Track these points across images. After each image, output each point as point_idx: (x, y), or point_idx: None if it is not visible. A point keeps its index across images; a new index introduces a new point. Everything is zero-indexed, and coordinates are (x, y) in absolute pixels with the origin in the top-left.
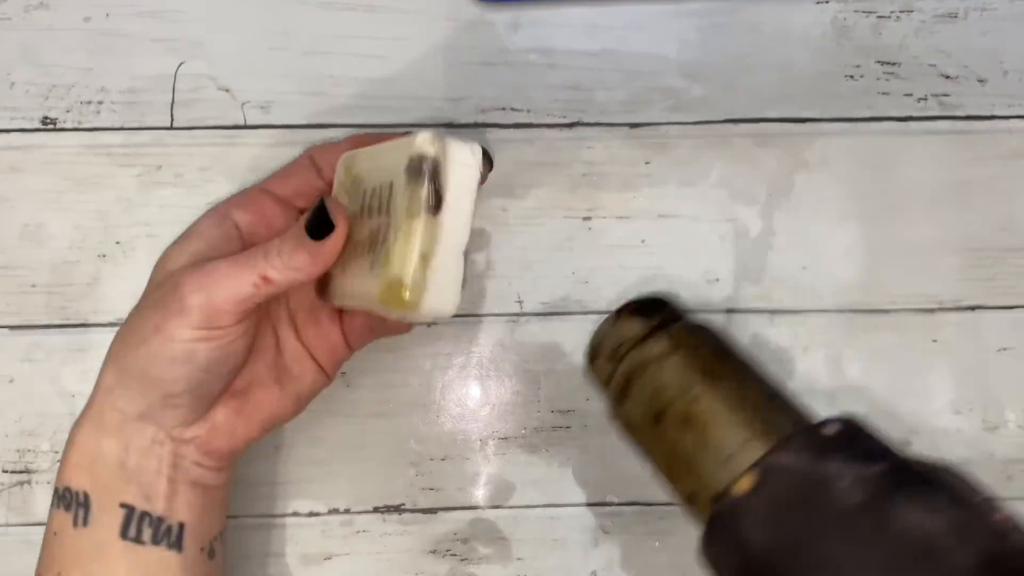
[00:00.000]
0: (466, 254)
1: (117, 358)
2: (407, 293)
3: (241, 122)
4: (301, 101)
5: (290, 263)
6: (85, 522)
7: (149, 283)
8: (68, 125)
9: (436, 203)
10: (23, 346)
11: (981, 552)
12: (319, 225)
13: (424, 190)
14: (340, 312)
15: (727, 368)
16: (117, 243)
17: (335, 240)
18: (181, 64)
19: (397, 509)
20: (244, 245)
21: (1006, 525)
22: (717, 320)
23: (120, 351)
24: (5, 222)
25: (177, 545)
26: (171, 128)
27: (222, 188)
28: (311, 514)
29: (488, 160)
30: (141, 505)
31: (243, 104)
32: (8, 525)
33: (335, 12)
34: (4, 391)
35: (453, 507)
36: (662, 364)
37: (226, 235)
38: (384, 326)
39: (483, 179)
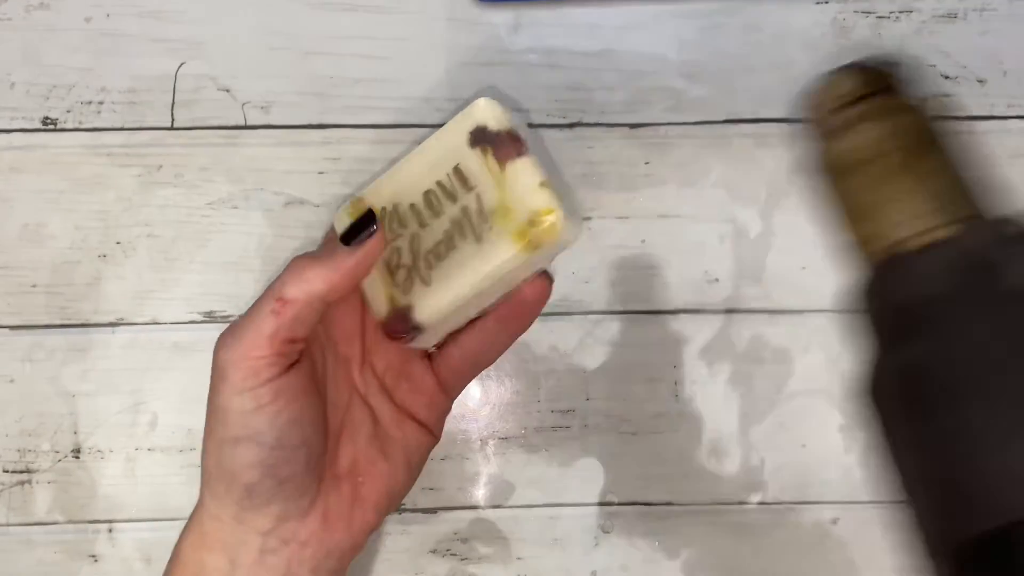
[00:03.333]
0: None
1: (203, 462)
2: (552, 216)
3: (241, 122)
4: (301, 101)
5: (311, 276)
6: None
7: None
8: (68, 125)
9: (520, 145)
10: (23, 346)
11: None
12: (353, 230)
13: (506, 140)
14: (430, 360)
15: (946, 144)
16: (117, 243)
17: (367, 250)
18: (181, 64)
19: (397, 509)
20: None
21: None
22: (717, 320)
23: (203, 453)
24: (5, 222)
25: None
26: (171, 128)
27: (222, 188)
28: None
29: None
30: None
31: (243, 104)
32: (8, 525)
33: (335, 12)
34: (4, 391)
35: (453, 507)
36: (907, 114)
37: None
38: (483, 356)
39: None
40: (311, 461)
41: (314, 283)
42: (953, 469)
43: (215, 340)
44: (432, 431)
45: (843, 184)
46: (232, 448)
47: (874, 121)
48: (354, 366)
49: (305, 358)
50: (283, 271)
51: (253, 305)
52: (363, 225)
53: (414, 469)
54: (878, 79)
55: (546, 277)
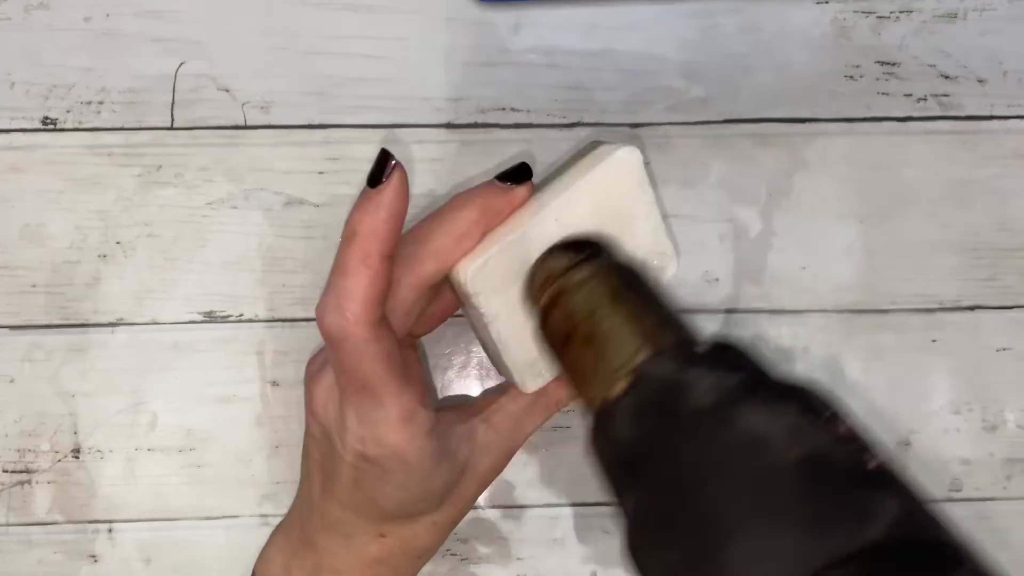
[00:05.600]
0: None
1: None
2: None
3: (241, 122)
4: (301, 101)
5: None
6: None
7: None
8: (68, 125)
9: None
10: (23, 346)
11: (808, 450)
12: (377, 170)
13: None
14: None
15: (628, 296)
16: (117, 243)
17: (395, 183)
18: (181, 64)
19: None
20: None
21: (846, 434)
22: (716, 320)
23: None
24: (5, 222)
25: None
26: (171, 128)
27: (222, 188)
28: None
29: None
30: None
31: (243, 104)
32: (8, 525)
33: (335, 12)
34: (4, 391)
35: None
36: (579, 290)
37: None
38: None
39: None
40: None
41: (371, 243)
42: None
43: (211, 339)
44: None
45: (557, 359)
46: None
47: (561, 301)
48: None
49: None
50: (332, 280)
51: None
52: (382, 164)
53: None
54: (573, 255)
55: None
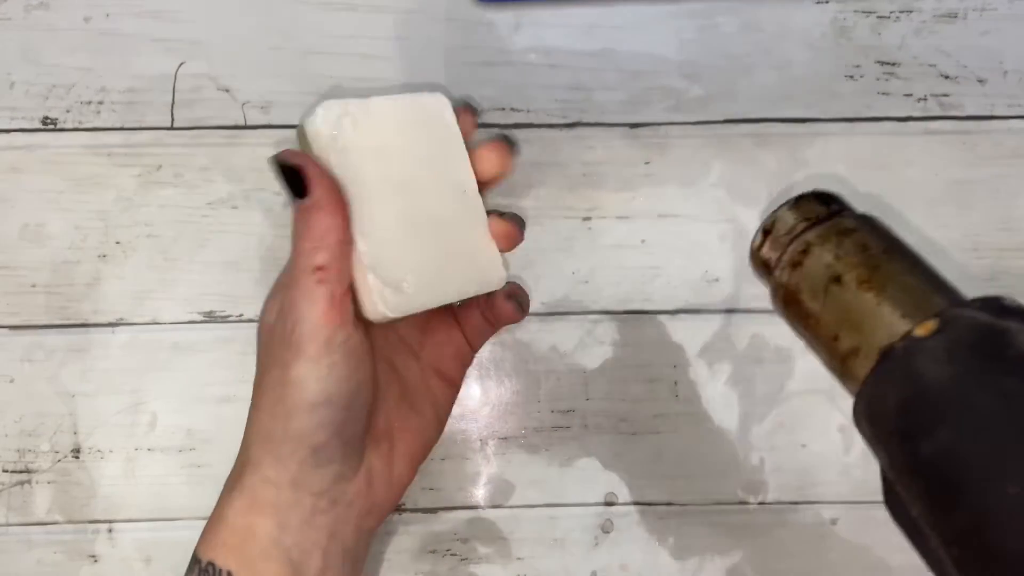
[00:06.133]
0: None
1: (258, 429)
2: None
3: (241, 122)
4: (301, 101)
5: (313, 236)
6: None
7: (259, 349)
8: (68, 125)
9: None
10: (23, 346)
11: None
12: (290, 181)
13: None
14: (455, 315)
15: (905, 248)
16: (117, 243)
17: (313, 176)
18: (181, 64)
19: (397, 509)
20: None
21: None
22: (717, 320)
23: (258, 420)
24: (5, 222)
25: None
26: (171, 128)
27: (222, 188)
28: None
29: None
30: None
31: (243, 104)
32: (8, 525)
33: (335, 12)
34: (4, 391)
35: (453, 507)
36: (844, 238)
37: None
38: (500, 316)
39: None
40: (366, 421)
41: (327, 236)
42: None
43: (211, 338)
44: (456, 383)
45: (811, 308)
46: (306, 413)
47: (828, 243)
48: (376, 331)
49: (359, 322)
50: (293, 245)
51: (291, 287)
52: (294, 173)
53: (443, 420)
54: (817, 208)
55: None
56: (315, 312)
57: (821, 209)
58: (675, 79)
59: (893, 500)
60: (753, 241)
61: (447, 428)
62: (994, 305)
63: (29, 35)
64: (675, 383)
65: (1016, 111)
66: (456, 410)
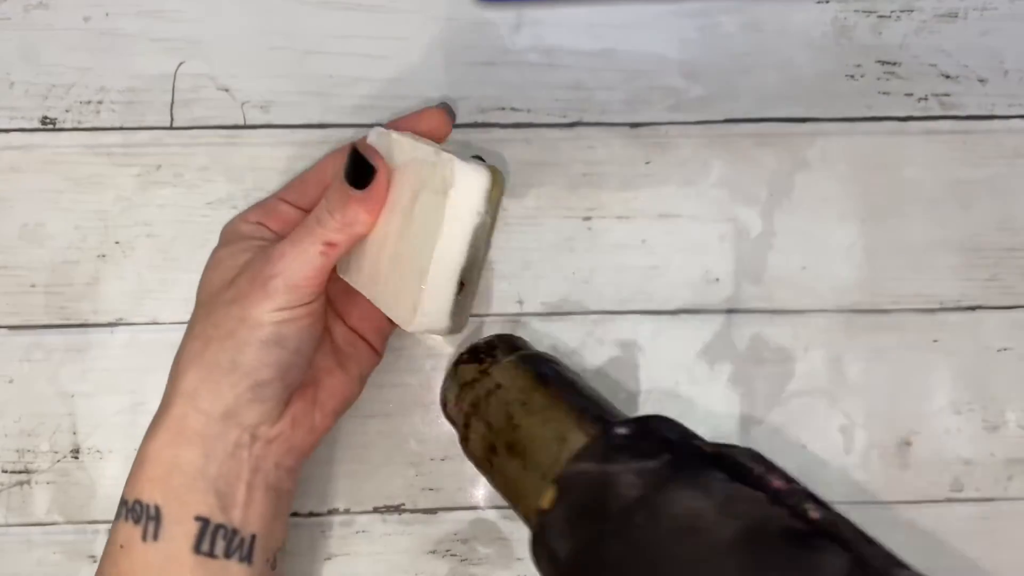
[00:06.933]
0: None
1: (199, 359)
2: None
3: (241, 122)
4: (301, 101)
5: (345, 220)
6: (156, 536)
7: (199, 296)
8: (68, 125)
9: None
10: (23, 346)
11: (744, 522)
12: (359, 172)
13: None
14: None
15: (542, 395)
16: (117, 243)
17: (380, 182)
18: (181, 64)
19: (397, 509)
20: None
21: (782, 489)
22: (717, 320)
23: (201, 351)
24: (5, 222)
25: (248, 558)
26: (171, 128)
27: (222, 188)
28: (311, 514)
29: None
30: (216, 517)
31: (243, 104)
32: (8, 525)
33: (335, 12)
34: (4, 391)
35: (453, 507)
36: (488, 402)
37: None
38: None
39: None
40: (306, 370)
41: (357, 229)
42: None
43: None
44: (377, 350)
45: (488, 478)
46: (259, 349)
47: (480, 411)
48: None
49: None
50: (320, 212)
51: (298, 236)
52: (363, 163)
53: (363, 382)
54: (469, 370)
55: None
56: (302, 271)
57: (474, 371)
58: (675, 79)
59: None
60: (441, 407)
61: (447, 428)
62: (602, 447)
63: (28, 35)
64: (675, 383)
65: (1016, 111)
66: None
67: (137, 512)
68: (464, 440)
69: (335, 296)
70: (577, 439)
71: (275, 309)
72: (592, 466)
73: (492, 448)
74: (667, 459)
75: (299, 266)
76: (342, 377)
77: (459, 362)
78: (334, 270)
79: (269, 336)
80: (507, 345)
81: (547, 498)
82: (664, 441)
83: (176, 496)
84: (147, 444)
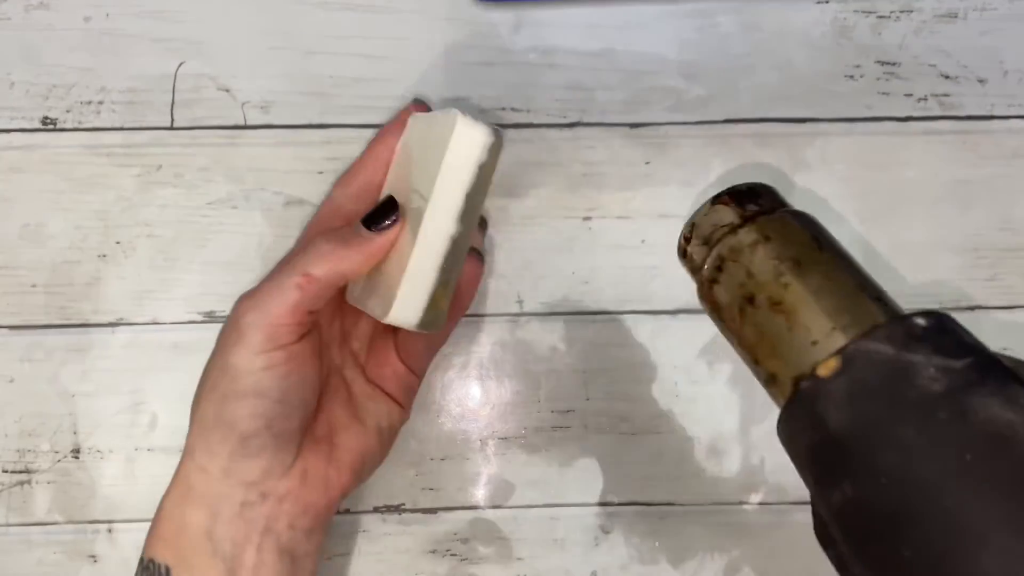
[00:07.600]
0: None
1: (194, 414)
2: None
3: (241, 122)
4: (301, 101)
5: (334, 256)
6: None
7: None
8: (68, 125)
9: None
10: (23, 346)
11: None
12: (378, 215)
13: None
14: (395, 340)
15: (818, 258)
16: (117, 243)
17: (389, 232)
18: (181, 64)
19: (397, 509)
20: None
21: None
22: None
23: (196, 405)
24: (5, 222)
25: None
26: (171, 128)
27: (222, 188)
28: None
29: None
30: None
31: (243, 104)
32: (8, 525)
33: (335, 12)
34: (4, 391)
35: (453, 507)
36: (754, 252)
37: None
38: (436, 339)
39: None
40: (303, 421)
41: (338, 264)
42: None
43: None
44: (401, 404)
45: (731, 327)
46: (237, 401)
47: (741, 257)
48: (334, 343)
49: (315, 328)
50: (306, 246)
51: (276, 274)
52: (385, 211)
53: (385, 438)
54: (731, 213)
55: (477, 258)
56: (275, 307)
57: (735, 214)
58: (675, 79)
59: (822, 532)
60: (679, 242)
61: (446, 428)
62: (900, 333)
63: (29, 35)
64: (675, 383)
65: (1016, 111)
66: (456, 410)
67: (151, 572)
68: (710, 282)
69: (359, 350)
70: (865, 317)
71: (252, 353)
72: (887, 349)
73: (750, 299)
74: (971, 362)
75: (271, 300)
76: (358, 431)
77: (717, 201)
78: (350, 314)
79: (248, 387)
80: (771, 196)
81: (827, 366)
82: (963, 343)
83: (184, 558)
84: (163, 500)
